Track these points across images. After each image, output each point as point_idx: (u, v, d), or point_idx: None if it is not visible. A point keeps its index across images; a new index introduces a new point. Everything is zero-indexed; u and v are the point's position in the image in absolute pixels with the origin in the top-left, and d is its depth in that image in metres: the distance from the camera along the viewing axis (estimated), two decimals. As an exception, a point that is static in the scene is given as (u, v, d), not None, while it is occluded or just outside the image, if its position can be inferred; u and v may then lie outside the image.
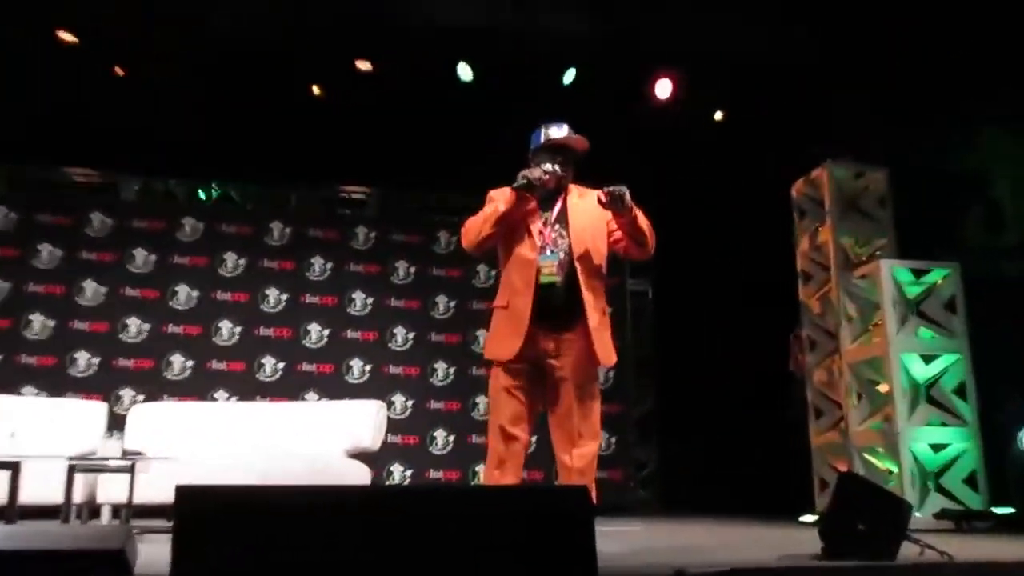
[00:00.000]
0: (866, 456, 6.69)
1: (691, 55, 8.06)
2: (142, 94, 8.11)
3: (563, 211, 3.90)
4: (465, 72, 8.39)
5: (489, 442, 3.83)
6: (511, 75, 8.26)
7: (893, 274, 6.63)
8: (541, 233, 3.84)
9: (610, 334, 3.87)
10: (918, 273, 6.69)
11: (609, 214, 3.81)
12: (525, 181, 3.76)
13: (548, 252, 3.80)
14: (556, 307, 3.76)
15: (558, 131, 3.93)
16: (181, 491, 2.29)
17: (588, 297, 3.77)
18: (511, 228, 3.87)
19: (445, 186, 9.21)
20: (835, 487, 3.89)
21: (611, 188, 3.68)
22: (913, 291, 6.70)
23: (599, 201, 3.71)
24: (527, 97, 7.99)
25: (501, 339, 3.82)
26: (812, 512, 6.94)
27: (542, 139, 3.93)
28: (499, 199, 3.88)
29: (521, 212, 3.84)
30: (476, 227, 3.92)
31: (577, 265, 3.78)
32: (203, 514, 2.30)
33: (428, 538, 2.35)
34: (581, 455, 3.69)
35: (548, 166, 3.83)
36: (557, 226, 3.86)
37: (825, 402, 7.36)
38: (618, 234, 3.89)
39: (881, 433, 6.51)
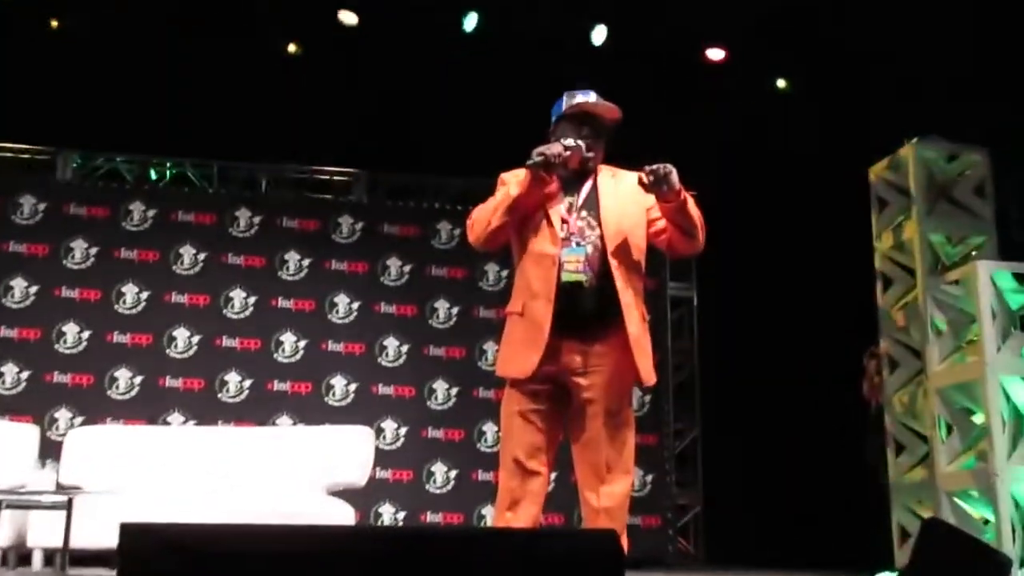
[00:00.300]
0: (956, 501, 6.67)
1: (748, 9, 8.07)
2: (81, 50, 8.17)
3: (592, 195, 3.88)
4: (471, 23, 8.40)
5: (500, 478, 3.83)
6: (530, 31, 8.28)
7: (993, 279, 6.61)
8: (565, 222, 3.82)
9: (651, 347, 3.87)
10: (1023, 279, 6.67)
11: (650, 199, 3.80)
12: (541, 158, 3.73)
13: (573, 244, 3.78)
14: (584, 312, 3.73)
15: (583, 98, 3.93)
16: (126, 530, 2.32)
17: (627, 298, 3.75)
18: (526, 217, 3.87)
19: (447, 167, 9.24)
20: (918, 537, 3.90)
21: (654, 166, 3.68)
22: (1018, 300, 6.68)
23: (640, 183, 3.70)
24: (549, 58, 8.01)
25: (516, 353, 3.81)
26: (890, 568, 6.93)
27: (564, 108, 3.94)
28: (512, 182, 3.87)
29: (538, 197, 3.83)
30: (484, 217, 3.90)
31: (611, 260, 3.76)
32: (151, 557, 2.33)
33: (424, 591, 2.38)
34: (610, 494, 3.70)
35: (570, 140, 3.82)
36: (584, 213, 3.84)
37: (907, 435, 7.34)
38: (661, 224, 3.86)
39: (975, 473, 6.50)
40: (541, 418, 3.77)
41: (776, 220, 9.00)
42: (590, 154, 3.88)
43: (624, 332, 3.73)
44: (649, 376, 3.78)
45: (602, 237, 3.80)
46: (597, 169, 3.95)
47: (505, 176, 3.96)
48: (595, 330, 3.75)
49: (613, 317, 3.74)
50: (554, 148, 3.76)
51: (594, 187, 3.90)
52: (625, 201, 3.85)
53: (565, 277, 3.74)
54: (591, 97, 3.93)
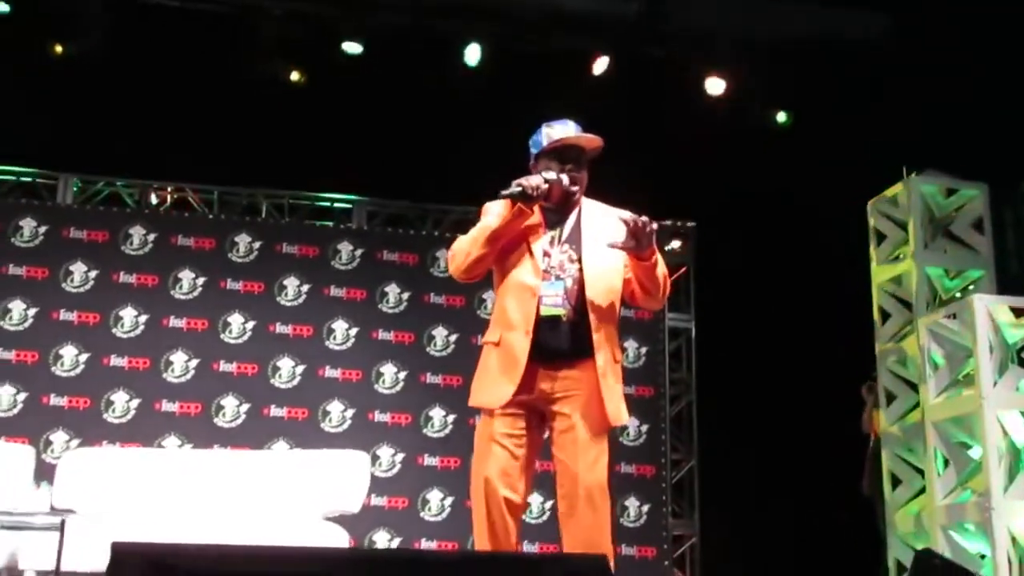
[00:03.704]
0: (952, 534, 6.66)
1: (749, 41, 8.13)
2: (84, 75, 8.22)
3: (576, 230, 3.89)
4: (473, 55, 8.47)
5: (472, 504, 3.79)
6: (530, 62, 8.35)
7: (990, 313, 6.63)
8: (547, 255, 3.84)
9: (622, 389, 3.86)
10: (1021, 313, 6.68)
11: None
12: (519, 189, 3.72)
13: (553, 278, 3.79)
14: (559, 345, 3.76)
15: (563, 129, 3.90)
16: (118, 549, 2.33)
17: (599, 337, 3.76)
18: (508, 248, 3.86)
19: (447, 196, 9.27)
20: (911, 569, 3.90)
21: (638, 219, 3.66)
22: (1015, 335, 6.69)
23: (615, 245, 3.71)
24: (548, 89, 8.06)
25: (491, 382, 3.81)
26: (887, 602, 6.92)
27: (544, 142, 3.90)
28: (493, 212, 3.88)
29: (517, 228, 3.82)
30: (464, 248, 3.89)
31: (588, 297, 3.77)
32: (144, 578, 2.33)
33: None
34: (590, 524, 3.67)
35: (551, 174, 3.81)
36: (567, 247, 3.85)
37: (904, 468, 7.34)
38: (629, 273, 3.87)
39: (971, 507, 6.49)
40: (515, 443, 3.75)
41: (775, 254, 9.02)
42: (574, 187, 3.87)
43: (595, 369, 3.74)
44: (617, 417, 3.76)
45: (580, 272, 3.81)
46: (581, 202, 3.94)
47: (489, 205, 3.95)
48: (570, 360, 3.76)
49: (587, 353, 3.76)
50: (533, 180, 3.75)
51: (578, 222, 3.90)
52: (607, 240, 3.81)
53: (544, 311, 3.75)
54: (570, 129, 3.89)
